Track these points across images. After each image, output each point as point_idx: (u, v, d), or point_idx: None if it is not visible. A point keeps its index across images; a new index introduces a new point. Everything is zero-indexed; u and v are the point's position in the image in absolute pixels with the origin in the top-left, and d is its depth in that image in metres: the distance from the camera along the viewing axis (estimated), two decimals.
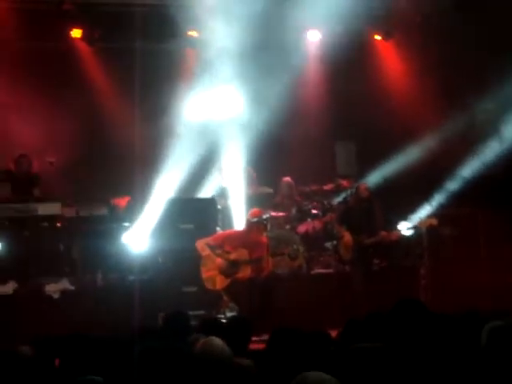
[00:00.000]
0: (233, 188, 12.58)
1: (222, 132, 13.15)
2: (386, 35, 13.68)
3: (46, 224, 11.22)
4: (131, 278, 10.90)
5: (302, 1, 12.37)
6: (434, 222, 10.97)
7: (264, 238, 10.59)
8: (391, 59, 13.80)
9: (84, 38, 13.12)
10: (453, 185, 11.59)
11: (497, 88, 11.41)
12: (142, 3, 12.82)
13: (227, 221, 12.19)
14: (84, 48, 13.30)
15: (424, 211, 11.47)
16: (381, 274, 11.24)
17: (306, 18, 12.82)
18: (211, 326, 6.18)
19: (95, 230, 11.40)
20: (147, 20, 12.80)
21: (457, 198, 11.50)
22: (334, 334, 6.04)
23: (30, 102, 12.58)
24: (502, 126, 11.71)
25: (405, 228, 11.12)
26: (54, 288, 10.79)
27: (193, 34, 13.30)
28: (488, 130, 11.92)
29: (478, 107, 11.89)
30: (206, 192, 12.94)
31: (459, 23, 12.17)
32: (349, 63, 13.21)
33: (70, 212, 11.36)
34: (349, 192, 11.95)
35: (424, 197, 11.98)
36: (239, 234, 10.66)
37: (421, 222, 11.04)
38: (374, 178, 12.35)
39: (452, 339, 4.80)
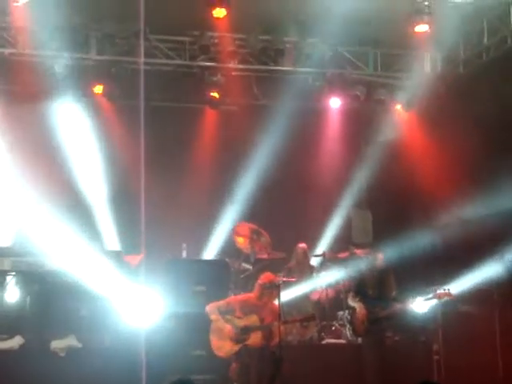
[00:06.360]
0: (247, 251, 12.51)
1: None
2: (408, 106, 13.65)
3: (56, 279, 11.11)
4: (140, 338, 10.71)
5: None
6: (450, 295, 10.71)
7: (276, 304, 10.40)
8: (412, 130, 13.76)
9: (105, 93, 13.21)
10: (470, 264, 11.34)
11: None
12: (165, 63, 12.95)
13: (239, 284, 12.08)
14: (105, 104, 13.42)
15: (440, 284, 11.27)
16: (393, 348, 11.03)
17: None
18: None
19: None
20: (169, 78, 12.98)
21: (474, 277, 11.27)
22: None
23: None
24: None
25: (420, 301, 10.86)
26: (60, 345, 10.63)
27: (214, 94, 13.39)
28: None
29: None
30: (219, 254, 12.87)
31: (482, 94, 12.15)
32: (368, 131, 13.26)
33: None
34: (364, 262, 11.77)
35: (440, 270, 11.83)
36: (251, 300, 10.47)
37: (436, 295, 10.77)
38: (389, 247, 12.19)
39: None
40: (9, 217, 12.06)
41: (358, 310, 10.69)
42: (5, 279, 11.14)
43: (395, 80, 13.45)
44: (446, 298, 10.53)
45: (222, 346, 10.11)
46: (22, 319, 10.86)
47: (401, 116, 13.86)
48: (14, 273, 11.14)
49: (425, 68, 13.28)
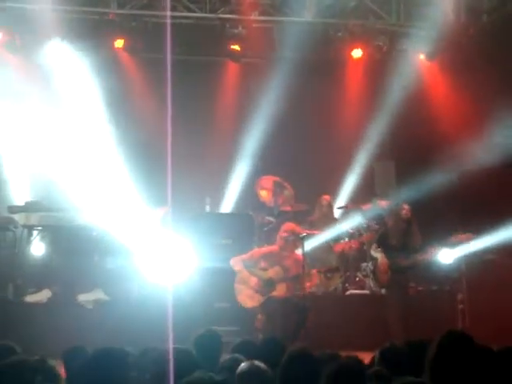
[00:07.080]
0: (270, 204, 12.54)
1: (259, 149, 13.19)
2: (430, 55, 13.49)
3: (83, 233, 11.23)
4: (166, 291, 10.81)
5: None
6: (471, 237, 10.71)
7: (300, 255, 10.45)
8: (434, 80, 13.61)
9: (126, 48, 13.15)
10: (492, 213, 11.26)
11: None
12: (186, 15, 12.85)
13: (263, 237, 12.12)
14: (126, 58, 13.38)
15: (460, 232, 11.29)
16: (417, 298, 11.06)
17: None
18: (247, 347, 6.05)
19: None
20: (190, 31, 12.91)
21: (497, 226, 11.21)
22: (366, 357, 5.85)
23: None
24: None
25: (443, 250, 10.84)
26: (87, 298, 10.78)
27: (235, 47, 13.28)
28: None
29: None
30: (242, 207, 12.89)
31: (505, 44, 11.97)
32: (391, 81, 13.14)
33: None
34: (387, 212, 11.77)
35: (462, 219, 11.79)
36: (274, 251, 10.52)
37: (458, 238, 10.77)
38: (411, 198, 12.14)
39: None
40: (35, 171, 12.16)
41: (379, 260, 10.65)
42: (32, 233, 11.29)
43: (418, 30, 13.25)
44: (467, 241, 10.56)
45: (248, 298, 10.19)
46: (49, 273, 11.02)
47: (423, 65, 13.69)
48: (41, 227, 11.27)
49: (448, 17, 13.06)
